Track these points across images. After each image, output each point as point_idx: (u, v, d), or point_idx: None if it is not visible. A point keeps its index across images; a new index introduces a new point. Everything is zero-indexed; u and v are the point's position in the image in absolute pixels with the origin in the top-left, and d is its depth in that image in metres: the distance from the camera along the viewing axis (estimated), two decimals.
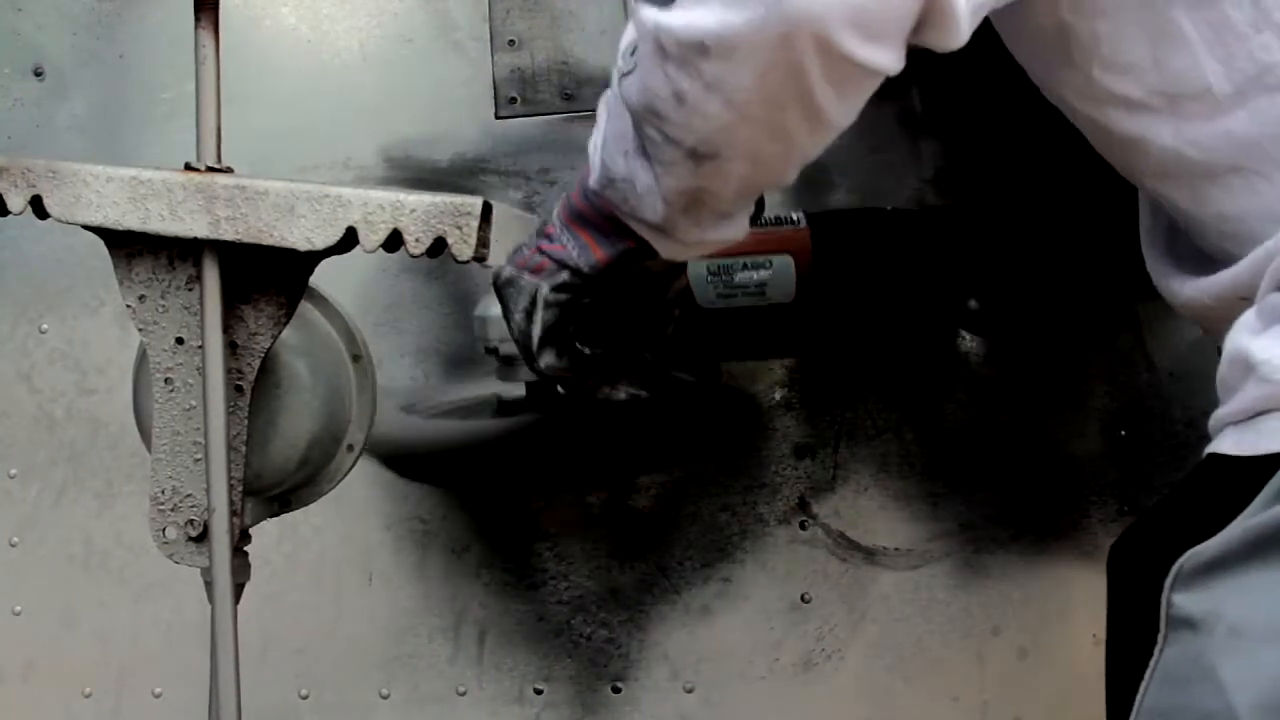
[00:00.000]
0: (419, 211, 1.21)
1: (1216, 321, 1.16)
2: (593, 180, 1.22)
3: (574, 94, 1.76)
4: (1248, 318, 1.05)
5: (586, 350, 1.32)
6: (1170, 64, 1.08)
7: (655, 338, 1.41)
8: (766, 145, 1.08)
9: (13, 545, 1.81)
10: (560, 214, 1.29)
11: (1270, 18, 1.05)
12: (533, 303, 1.29)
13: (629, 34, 1.14)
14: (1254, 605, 0.97)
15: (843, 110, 1.04)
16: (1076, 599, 1.71)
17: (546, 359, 1.31)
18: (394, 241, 1.22)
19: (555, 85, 1.76)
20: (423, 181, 1.76)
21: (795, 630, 1.73)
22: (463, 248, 1.21)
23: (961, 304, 1.71)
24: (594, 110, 1.73)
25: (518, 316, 1.31)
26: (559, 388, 1.52)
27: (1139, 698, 1.03)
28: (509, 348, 1.44)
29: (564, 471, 1.75)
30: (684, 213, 1.17)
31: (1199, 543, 1.01)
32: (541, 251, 1.28)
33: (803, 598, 1.73)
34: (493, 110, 1.77)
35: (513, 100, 1.77)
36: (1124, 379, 1.71)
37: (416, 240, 1.21)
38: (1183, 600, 1.01)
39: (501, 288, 1.31)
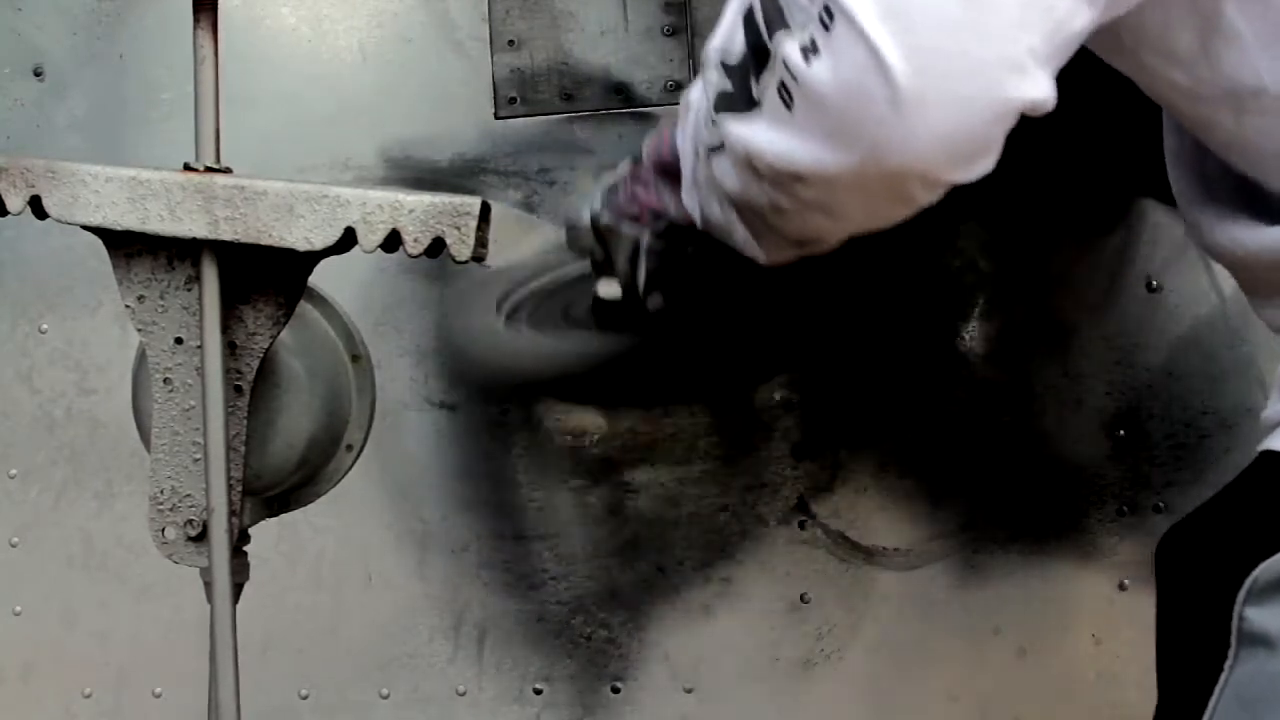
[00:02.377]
0: (417, 212, 1.21)
1: (1246, 274, 1.11)
2: (689, 207, 1.19)
3: (574, 94, 1.76)
4: None
5: (696, 294, 1.31)
6: (1222, 58, 1.01)
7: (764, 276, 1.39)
8: (866, 229, 1.06)
9: (13, 545, 1.81)
10: (651, 161, 1.26)
11: None
12: (635, 251, 1.28)
13: (699, 93, 1.09)
14: None
15: (939, 197, 1.00)
16: (1076, 599, 1.71)
17: (654, 301, 1.30)
18: (392, 242, 1.22)
19: (555, 85, 1.76)
20: (422, 182, 1.76)
21: (795, 630, 1.73)
22: (461, 248, 1.21)
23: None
24: (594, 111, 1.76)
25: (621, 264, 1.30)
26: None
27: (1208, 714, 0.98)
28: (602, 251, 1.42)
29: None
30: (785, 261, 1.16)
31: (1266, 549, 0.96)
32: (638, 200, 1.26)
33: (802, 598, 1.73)
34: (492, 110, 1.77)
35: (512, 100, 1.77)
36: (1124, 379, 1.71)
37: (415, 240, 1.21)
38: (1257, 615, 0.96)
39: (603, 234, 1.29)
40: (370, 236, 1.21)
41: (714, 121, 1.05)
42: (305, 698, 1.77)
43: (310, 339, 1.39)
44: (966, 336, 1.73)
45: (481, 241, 1.22)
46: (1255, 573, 0.96)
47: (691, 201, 1.19)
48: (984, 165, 0.95)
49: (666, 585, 1.75)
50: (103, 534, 1.80)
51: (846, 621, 1.73)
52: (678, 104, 1.71)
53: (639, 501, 1.75)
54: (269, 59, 1.80)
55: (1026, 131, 1.00)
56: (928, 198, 0.98)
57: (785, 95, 0.95)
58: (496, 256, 1.29)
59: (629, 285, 1.31)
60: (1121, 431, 1.70)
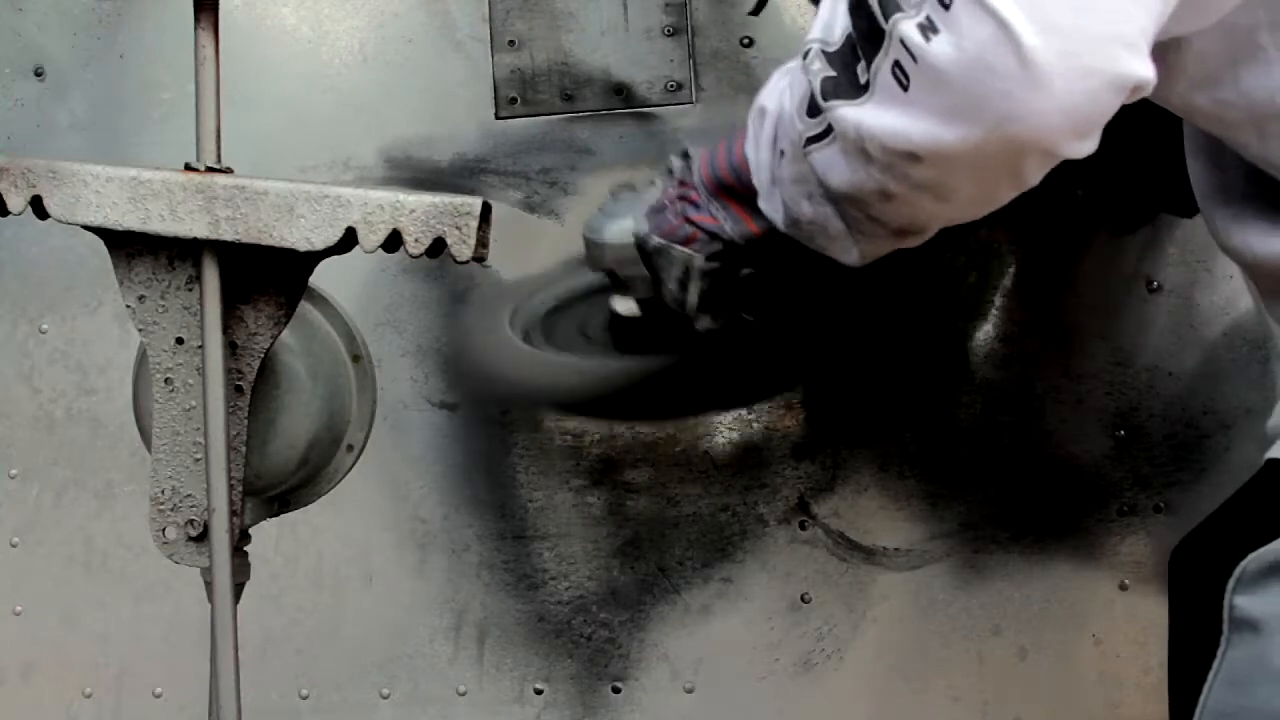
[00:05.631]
0: (418, 212, 1.21)
1: (1259, 277, 1.13)
2: (769, 211, 1.18)
3: (574, 94, 1.76)
4: None
5: (750, 318, 1.31)
6: (1249, 81, 1.05)
7: (825, 294, 1.38)
8: (971, 212, 1.07)
9: (13, 545, 1.81)
10: (704, 180, 1.26)
11: None
12: (686, 274, 1.28)
13: (799, 84, 1.08)
14: None
15: (1045, 173, 1.02)
16: (1076, 599, 1.71)
17: (704, 323, 1.31)
18: (393, 242, 1.22)
19: (555, 85, 1.76)
20: (422, 182, 1.76)
21: (795, 630, 1.73)
22: (462, 248, 1.21)
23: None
24: (594, 111, 1.76)
25: (671, 286, 1.30)
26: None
27: (1202, 698, 1.03)
28: (627, 270, 1.41)
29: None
30: (879, 255, 1.16)
31: (1257, 544, 1.00)
32: (690, 221, 1.26)
33: (803, 598, 1.73)
34: (493, 110, 1.77)
35: (513, 100, 1.77)
36: (1124, 379, 1.71)
37: (416, 240, 1.21)
38: (1245, 602, 1.01)
39: (651, 255, 1.29)
40: (371, 237, 1.22)
41: (820, 110, 1.05)
42: (305, 698, 1.77)
43: (311, 339, 1.39)
44: (967, 336, 1.73)
45: (482, 241, 1.23)
46: (1244, 563, 1.01)
47: (773, 205, 1.18)
48: (1092, 142, 0.98)
49: (666, 585, 1.75)
50: (103, 534, 1.80)
51: (846, 621, 1.73)
52: (678, 104, 1.75)
53: (639, 501, 1.75)
54: (270, 59, 1.80)
55: None
56: (1038, 174, 1.00)
57: (900, 75, 0.97)
58: (497, 257, 1.29)
59: (678, 308, 1.30)
60: (1121, 431, 1.70)
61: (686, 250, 1.26)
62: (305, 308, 1.38)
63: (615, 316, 1.51)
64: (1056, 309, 1.72)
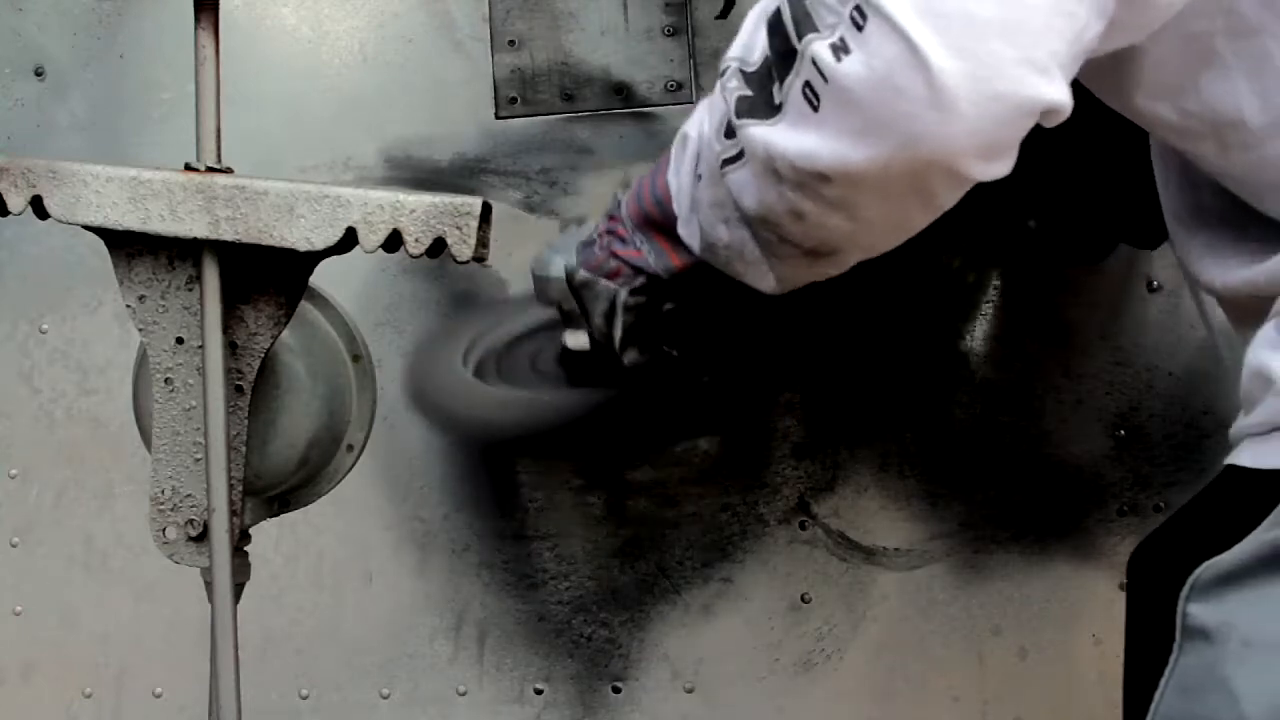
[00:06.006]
0: (418, 212, 1.21)
1: (1231, 306, 1.14)
2: (687, 237, 1.19)
3: (574, 94, 1.76)
4: (1268, 331, 1.04)
5: (673, 352, 1.31)
6: (1210, 89, 1.05)
7: (747, 331, 1.39)
8: (885, 238, 1.07)
9: (13, 545, 1.81)
10: (630, 213, 1.27)
11: None
12: (611, 308, 1.28)
13: (718, 105, 1.09)
14: (1266, 617, 0.98)
15: (959, 197, 1.02)
16: (1076, 599, 1.71)
17: (630, 357, 1.31)
18: (394, 242, 1.22)
19: (555, 85, 1.76)
20: (423, 181, 1.76)
21: (795, 630, 1.73)
22: (462, 248, 1.21)
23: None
24: (594, 111, 1.76)
25: (597, 320, 1.31)
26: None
27: (1154, 705, 1.04)
28: (570, 305, 1.41)
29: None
30: (797, 283, 1.16)
31: (1216, 554, 1.01)
32: (615, 255, 1.27)
33: (803, 598, 1.73)
34: (493, 110, 1.77)
35: (513, 100, 1.77)
36: (1124, 379, 1.71)
37: (416, 240, 1.21)
38: (1198, 611, 1.01)
39: (578, 290, 1.30)
40: (371, 237, 1.22)
41: (733, 131, 1.06)
42: (305, 698, 1.77)
43: (311, 339, 1.39)
44: (967, 336, 1.73)
45: (482, 241, 1.23)
46: (1197, 572, 1.02)
47: (691, 230, 1.19)
48: (1003, 165, 0.98)
49: (667, 585, 1.75)
50: (103, 534, 1.80)
51: (846, 621, 1.73)
52: (678, 104, 1.75)
53: (639, 501, 1.75)
54: (270, 59, 1.80)
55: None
56: (949, 197, 1.01)
57: (811, 95, 0.97)
58: (497, 257, 1.29)
59: (605, 341, 1.31)
60: (1121, 431, 1.71)
61: (611, 284, 1.27)
62: (305, 308, 1.38)
63: (565, 351, 1.52)
64: (1056, 309, 1.72)
